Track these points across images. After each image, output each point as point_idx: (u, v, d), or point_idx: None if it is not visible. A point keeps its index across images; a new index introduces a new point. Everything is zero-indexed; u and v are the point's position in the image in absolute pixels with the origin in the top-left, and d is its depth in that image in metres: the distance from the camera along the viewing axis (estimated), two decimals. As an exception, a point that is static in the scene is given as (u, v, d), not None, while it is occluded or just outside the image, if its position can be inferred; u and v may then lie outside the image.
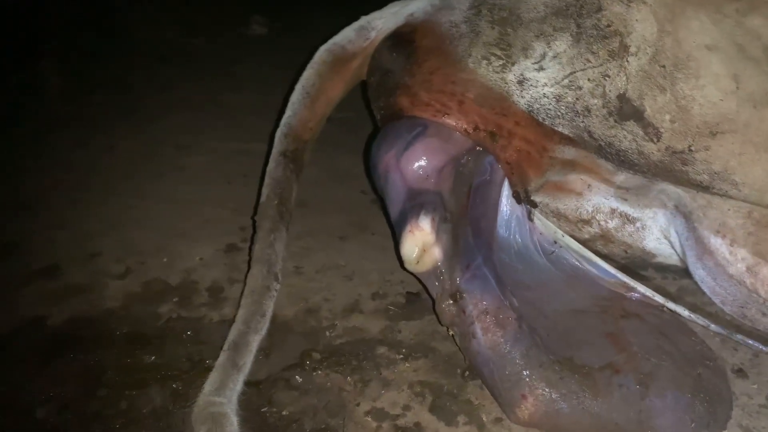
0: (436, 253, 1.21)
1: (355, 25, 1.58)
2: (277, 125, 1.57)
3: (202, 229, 1.69)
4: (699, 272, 1.32)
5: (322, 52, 1.58)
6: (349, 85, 1.62)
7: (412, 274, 1.26)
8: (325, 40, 1.62)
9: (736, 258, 1.23)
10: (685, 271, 1.52)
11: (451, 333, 1.22)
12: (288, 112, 1.55)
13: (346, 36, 1.57)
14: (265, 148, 1.88)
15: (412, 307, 1.42)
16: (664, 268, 1.55)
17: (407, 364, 1.26)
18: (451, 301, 1.18)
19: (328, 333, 1.34)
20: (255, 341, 1.20)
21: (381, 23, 1.54)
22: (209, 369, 1.19)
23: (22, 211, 1.75)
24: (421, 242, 1.20)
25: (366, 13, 1.61)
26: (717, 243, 1.24)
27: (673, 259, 1.46)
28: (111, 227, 1.68)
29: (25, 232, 1.66)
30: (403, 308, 1.42)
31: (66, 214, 1.74)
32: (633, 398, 1.08)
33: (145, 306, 1.40)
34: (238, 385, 1.14)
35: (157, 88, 2.56)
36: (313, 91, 1.55)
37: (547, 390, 1.08)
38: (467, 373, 1.24)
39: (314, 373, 1.22)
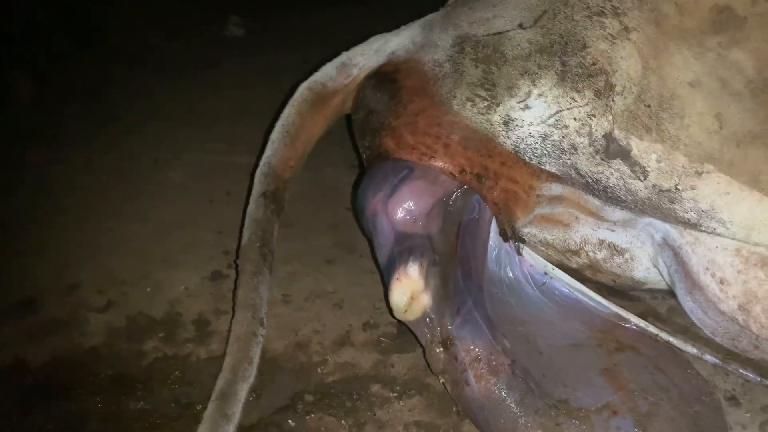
0: (425, 300, 1.19)
1: (336, 61, 1.55)
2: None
3: (184, 253, 1.64)
4: (689, 304, 1.32)
5: (302, 90, 1.54)
6: (331, 122, 1.60)
7: (401, 322, 1.24)
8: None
9: (726, 296, 1.22)
10: (674, 294, 1.52)
11: (441, 381, 1.19)
12: (267, 152, 1.51)
13: (326, 73, 1.54)
14: (247, 161, 1.85)
15: (403, 338, 1.39)
16: (653, 291, 1.54)
17: (402, 403, 1.24)
18: (442, 349, 1.16)
19: (319, 370, 1.31)
20: (243, 390, 1.18)
21: (363, 60, 1.51)
22: (198, 415, 1.16)
23: (-4, 236, 1.69)
24: (410, 290, 1.17)
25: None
26: (707, 280, 1.24)
27: (662, 285, 1.46)
28: (90, 254, 1.62)
29: (1, 260, 1.60)
30: (395, 339, 1.39)
31: (42, 239, 1.68)
32: (630, 442, 1.07)
33: (129, 343, 1.36)
34: None
35: (133, 95, 2.49)
36: (293, 130, 1.52)
37: (544, 437, 1.07)
38: (462, 411, 1.22)
39: (307, 417, 1.20)
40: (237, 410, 1.14)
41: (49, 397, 1.22)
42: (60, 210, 1.80)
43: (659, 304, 1.52)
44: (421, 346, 1.22)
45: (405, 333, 1.41)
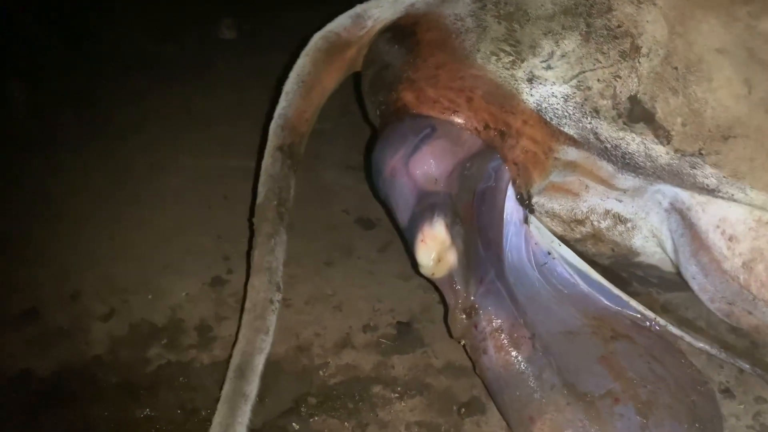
0: (451, 259, 1.18)
1: (351, 12, 1.53)
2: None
3: (184, 259, 1.65)
4: (691, 269, 1.33)
5: (317, 39, 1.52)
6: (343, 76, 1.58)
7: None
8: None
9: (733, 253, 1.24)
10: (667, 283, 1.55)
11: (462, 343, 1.21)
12: (282, 103, 1.49)
13: (341, 23, 1.52)
14: (244, 164, 1.86)
15: (403, 339, 1.41)
16: (648, 282, 1.56)
17: (403, 404, 1.26)
18: (464, 316, 1.16)
19: (321, 373, 1.33)
20: (260, 362, 1.18)
21: (378, 12, 1.49)
22: (205, 420, 1.18)
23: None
24: (436, 248, 1.16)
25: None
26: (715, 237, 1.26)
27: (655, 259, 1.48)
28: (91, 262, 1.63)
29: (4, 270, 1.62)
30: (395, 340, 1.41)
31: (43, 248, 1.69)
32: (633, 429, 1.09)
33: (133, 351, 1.38)
34: (245, 418, 1.13)
35: (128, 99, 2.48)
36: (308, 80, 1.49)
37: (555, 414, 1.08)
38: (463, 410, 1.24)
39: (311, 420, 1.22)
40: (255, 386, 1.15)
41: (55, 406, 1.24)
42: (59, 218, 1.81)
43: (654, 298, 1.55)
44: (445, 306, 1.22)
45: (404, 334, 1.44)
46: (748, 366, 1.28)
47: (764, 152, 1.16)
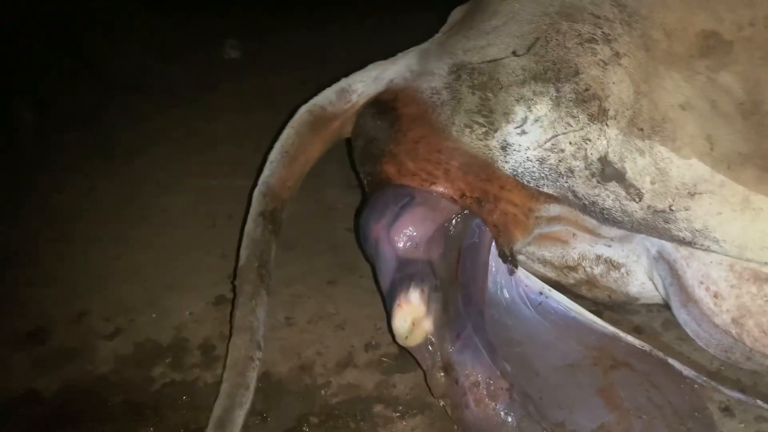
0: (427, 326, 1.22)
1: (336, 87, 1.59)
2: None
3: (189, 278, 1.68)
4: (683, 317, 1.35)
5: (302, 113, 1.58)
6: (329, 144, 1.63)
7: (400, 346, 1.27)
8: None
9: (720, 309, 1.26)
10: (669, 307, 1.56)
11: (442, 404, 1.23)
12: (266, 172, 1.55)
13: (326, 97, 1.58)
14: (247, 184, 1.87)
15: (404, 358, 1.42)
16: (648, 305, 1.58)
17: (404, 423, 1.27)
18: (443, 374, 1.19)
19: (323, 392, 1.34)
20: (240, 416, 1.21)
21: (362, 87, 1.55)
22: (207, 440, 1.20)
23: (5, 266, 1.73)
24: (411, 316, 1.20)
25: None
26: (701, 293, 1.27)
27: (657, 299, 1.49)
28: (97, 281, 1.66)
29: (11, 290, 1.64)
30: (397, 359, 1.43)
31: (49, 268, 1.72)
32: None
33: (138, 370, 1.40)
34: None
35: (133, 120, 2.53)
36: (292, 151, 1.55)
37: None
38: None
39: (313, 439, 1.23)
40: None
41: (60, 426, 1.26)
42: (65, 238, 1.84)
43: (654, 317, 1.55)
44: (423, 370, 1.25)
45: (406, 353, 1.43)
46: (743, 396, 1.28)
47: (729, 206, 1.19)
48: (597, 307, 1.57)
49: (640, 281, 1.46)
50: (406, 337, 1.22)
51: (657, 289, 1.44)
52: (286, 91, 2.37)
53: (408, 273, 1.23)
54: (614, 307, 1.56)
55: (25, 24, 2.75)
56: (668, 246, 1.32)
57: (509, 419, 1.12)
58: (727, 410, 1.29)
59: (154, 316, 1.55)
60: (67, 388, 1.35)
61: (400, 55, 1.58)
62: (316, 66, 2.79)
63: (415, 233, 1.26)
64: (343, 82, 1.59)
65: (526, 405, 1.14)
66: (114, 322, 1.53)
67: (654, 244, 1.37)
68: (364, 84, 1.55)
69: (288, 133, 1.57)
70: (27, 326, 1.51)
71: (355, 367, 1.41)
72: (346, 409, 1.30)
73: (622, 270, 1.46)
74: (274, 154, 1.57)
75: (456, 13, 1.66)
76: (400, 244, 1.26)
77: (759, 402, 1.26)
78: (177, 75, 2.88)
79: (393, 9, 3.49)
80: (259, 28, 3.18)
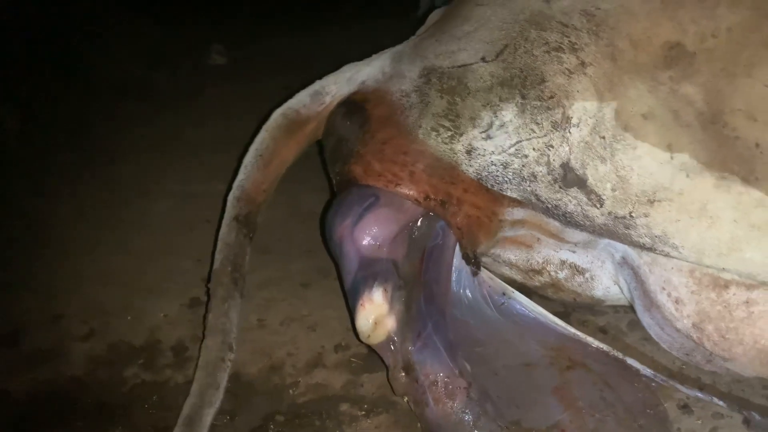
0: (390, 325, 1.24)
1: (310, 89, 1.61)
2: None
3: (165, 282, 1.70)
4: (647, 320, 1.38)
5: (276, 116, 1.60)
6: (304, 147, 1.65)
7: (368, 346, 1.29)
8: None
9: (682, 314, 1.28)
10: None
11: (405, 400, 1.25)
12: (240, 176, 1.56)
13: (300, 100, 1.60)
14: (227, 189, 1.90)
15: (374, 358, 1.44)
16: (615, 306, 1.60)
17: (369, 421, 1.29)
18: (404, 373, 1.22)
19: (291, 391, 1.37)
20: (209, 415, 1.23)
21: (335, 88, 1.57)
22: (174, 440, 1.22)
23: (-19, 270, 1.75)
24: (374, 315, 1.23)
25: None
26: (663, 298, 1.30)
27: (622, 301, 1.52)
28: (74, 285, 1.68)
29: (-14, 293, 1.67)
30: (365, 359, 1.45)
31: (27, 271, 1.74)
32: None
33: (111, 371, 1.42)
34: None
35: (117, 126, 2.56)
36: (266, 155, 1.57)
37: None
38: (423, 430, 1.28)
39: (278, 437, 1.26)
40: None
41: (33, 427, 1.28)
42: (44, 242, 1.86)
43: (621, 318, 1.58)
44: (386, 367, 1.28)
45: (375, 354, 1.47)
46: (698, 393, 1.31)
47: (687, 214, 1.22)
48: (565, 308, 1.60)
49: (605, 285, 1.48)
50: (369, 335, 1.24)
51: (623, 292, 1.47)
52: (270, 97, 2.37)
53: (371, 272, 1.26)
54: (581, 308, 1.59)
55: (9, 28, 2.77)
56: (632, 252, 1.35)
57: (466, 417, 1.15)
58: (685, 407, 1.32)
59: (129, 318, 1.57)
60: (38, 389, 1.37)
61: (374, 56, 1.60)
62: (301, 72, 2.81)
63: (378, 233, 1.28)
64: (317, 85, 1.61)
65: (483, 403, 1.16)
66: (89, 324, 1.55)
67: (618, 249, 1.40)
68: (338, 85, 1.57)
69: (262, 136, 1.59)
70: (2, 329, 1.53)
71: (324, 367, 1.44)
72: (313, 408, 1.32)
73: (587, 275, 1.49)
74: (248, 158, 1.58)
75: (434, 16, 1.68)
76: (364, 244, 1.28)
77: (715, 399, 1.29)
78: (162, 81, 2.91)
79: (377, 15, 3.53)
80: (245, 35, 3.21)
